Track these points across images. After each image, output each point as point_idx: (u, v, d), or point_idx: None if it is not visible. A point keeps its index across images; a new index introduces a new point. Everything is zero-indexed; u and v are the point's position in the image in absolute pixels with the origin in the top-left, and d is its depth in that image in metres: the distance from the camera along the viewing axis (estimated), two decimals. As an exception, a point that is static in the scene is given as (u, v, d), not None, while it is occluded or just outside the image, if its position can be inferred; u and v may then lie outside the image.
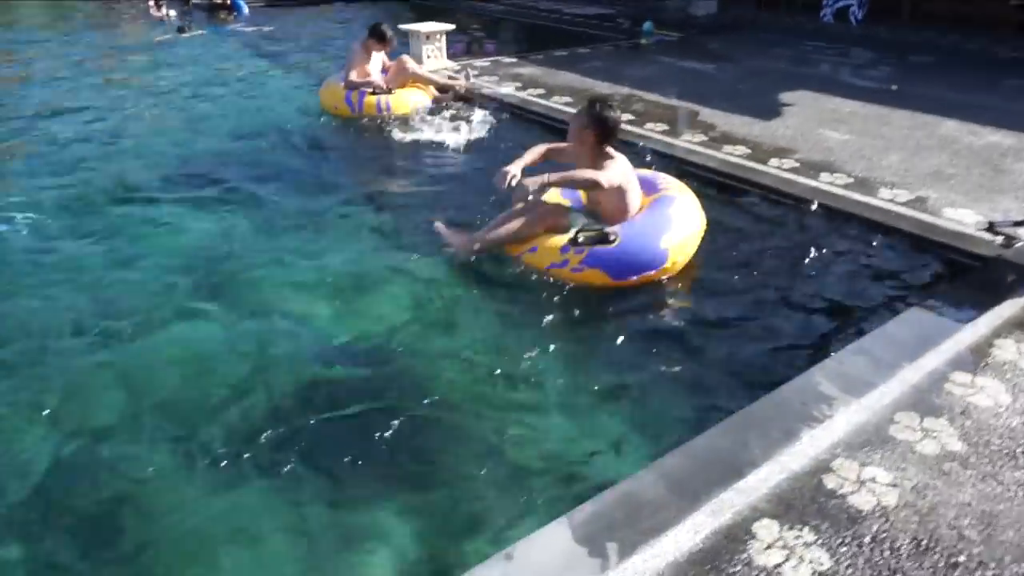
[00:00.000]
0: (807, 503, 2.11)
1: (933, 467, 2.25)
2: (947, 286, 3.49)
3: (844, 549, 1.95)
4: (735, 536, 2.00)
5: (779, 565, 1.90)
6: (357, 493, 2.43)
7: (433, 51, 7.87)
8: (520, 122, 6.47)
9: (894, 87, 7.17)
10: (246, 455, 2.56)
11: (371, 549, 2.22)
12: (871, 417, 2.48)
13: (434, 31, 7.79)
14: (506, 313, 3.50)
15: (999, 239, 3.81)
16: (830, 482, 2.19)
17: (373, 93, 6.46)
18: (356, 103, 6.43)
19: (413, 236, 4.21)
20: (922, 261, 3.80)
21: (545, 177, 3.65)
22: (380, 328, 3.36)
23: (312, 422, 2.72)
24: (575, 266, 3.59)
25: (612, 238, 3.60)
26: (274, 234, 4.32)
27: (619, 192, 3.71)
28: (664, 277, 3.67)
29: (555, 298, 3.54)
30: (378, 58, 6.68)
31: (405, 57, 6.73)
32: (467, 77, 7.16)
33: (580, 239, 3.61)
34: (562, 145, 4.00)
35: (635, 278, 3.60)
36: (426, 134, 6.08)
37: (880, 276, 3.74)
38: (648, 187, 4.00)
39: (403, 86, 6.61)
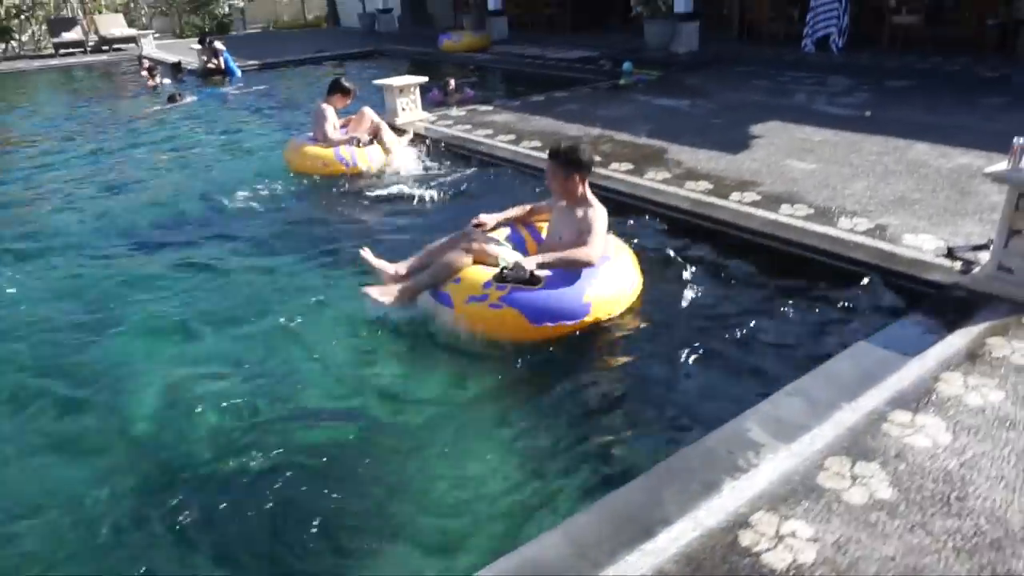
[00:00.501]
0: (717, 563, 1.98)
1: (859, 518, 2.12)
2: (899, 317, 3.36)
3: (752, 614, 1.83)
4: (635, 604, 1.88)
5: (678, 636, 1.78)
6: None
7: (407, 103, 7.96)
8: (488, 168, 6.49)
9: (868, 113, 7.11)
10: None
11: None
12: (799, 464, 2.36)
13: (407, 84, 7.89)
14: (423, 361, 3.43)
15: (958, 265, 3.69)
16: (745, 539, 2.06)
17: (358, 145, 6.50)
18: (349, 159, 6.43)
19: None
20: (877, 292, 3.68)
21: (540, 258, 3.54)
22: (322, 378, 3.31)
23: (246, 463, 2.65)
24: (493, 302, 3.43)
25: (538, 279, 3.48)
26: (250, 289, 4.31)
27: (589, 242, 3.57)
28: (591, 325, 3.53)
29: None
30: (334, 112, 6.75)
31: (366, 109, 6.82)
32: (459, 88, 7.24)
33: (506, 275, 3.47)
34: (542, 205, 4.02)
35: (552, 326, 3.44)
36: (402, 185, 6.14)
37: (832, 310, 3.63)
38: None
39: (374, 136, 6.68)
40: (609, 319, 3.58)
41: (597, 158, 5.99)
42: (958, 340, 3.02)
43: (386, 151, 6.69)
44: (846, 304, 3.65)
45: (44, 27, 20.08)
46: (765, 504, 2.19)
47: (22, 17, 20.59)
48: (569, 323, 3.47)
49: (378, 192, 6.08)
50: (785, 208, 4.64)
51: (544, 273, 3.49)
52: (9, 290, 4.56)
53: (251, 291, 4.34)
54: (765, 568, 1.96)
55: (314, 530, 2.46)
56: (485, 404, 3.17)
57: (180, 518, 2.54)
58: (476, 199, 5.70)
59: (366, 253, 3.92)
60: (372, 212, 5.76)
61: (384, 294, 3.69)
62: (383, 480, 2.71)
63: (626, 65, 10.57)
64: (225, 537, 2.48)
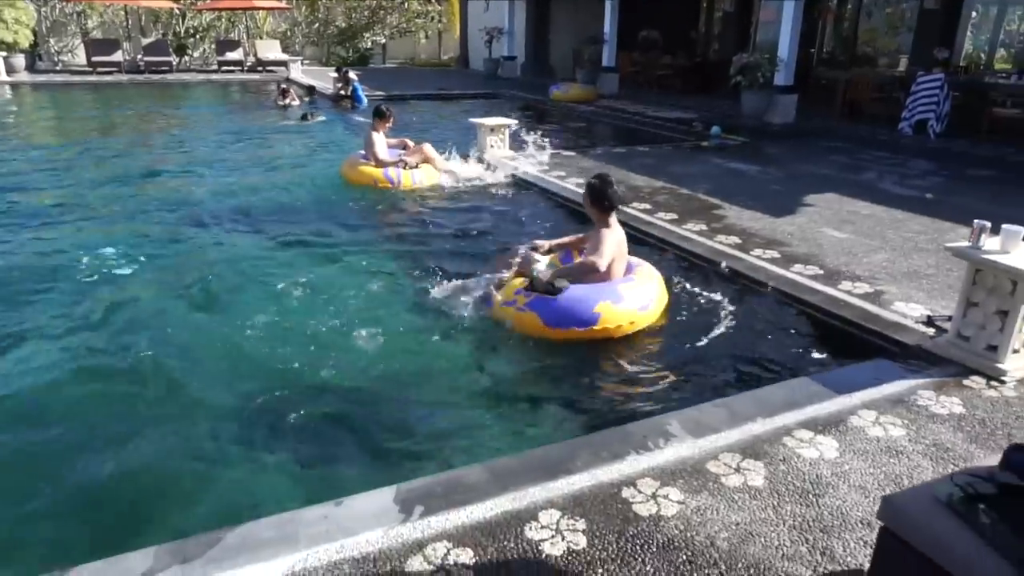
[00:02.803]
0: (595, 502, 2.53)
1: (725, 495, 2.60)
2: (851, 364, 3.74)
3: (606, 537, 2.36)
4: (520, 517, 2.46)
5: (542, 540, 2.34)
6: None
7: (496, 142, 8.85)
8: (546, 199, 7.21)
9: (928, 196, 7.29)
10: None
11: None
12: (697, 453, 2.85)
13: (498, 124, 8.79)
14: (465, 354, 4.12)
15: (931, 331, 4.01)
16: (625, 493, 2.59)
17: (406, 168, 7.69)
18: (396, 178, 7.61)
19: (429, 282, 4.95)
20: (848, 344, 4.05)
21: (558, 271, 4.39)
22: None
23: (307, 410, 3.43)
24: (519, 307, 4.20)
25: (558, 290, 4.15)
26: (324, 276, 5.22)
27: (598, 256, 4.30)
28: (605, 337, 4.14)
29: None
30: (383, 137, 7.92)
31: (427, 146, 7.99)
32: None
33: (534, 285, 4.21)
34: (585, 235, 4.73)
35: (564, 330, 4.10)
36: (451, 202, 7.12)
37: (800, 352, 4.04)
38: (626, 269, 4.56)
39: (420, 163, 7.84)
40: (621, 330, 4.15)
41: (646, 206, 6.60)
42: (891, 388, 3.39)
43: (437, 171, 7.85)
44: (816, 350, 4.04)
45: (212, 46, 22.88)
46: (654, 474, 2.71)
47: (196, 37, 23.56)
48: (579, 329, 4.09)
49: (432, 207, 7.05)
50: (797, 267, 5.05)
51: (563, 285, 4.17)
52: (159, 251, 5.69)
53: (330, 267, 5.25)
54: (631, 513, 2.49)
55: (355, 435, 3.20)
56: (495, 371, 3.84)
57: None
58: (527, 225, 6.42)
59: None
60: (429, 222, 6.68)
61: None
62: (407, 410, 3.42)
63: (714, 129, 11.10)
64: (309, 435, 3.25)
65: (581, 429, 3.33)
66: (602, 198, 4.34)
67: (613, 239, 4.33)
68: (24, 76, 18.46)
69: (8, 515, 2.79)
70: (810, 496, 2.60)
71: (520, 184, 7.97)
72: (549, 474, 2.69)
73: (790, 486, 2.66)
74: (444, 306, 4.59)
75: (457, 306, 4.56)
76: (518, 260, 4.63)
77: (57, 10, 21.05)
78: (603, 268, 4.27)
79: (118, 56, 20.17)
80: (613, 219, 4.40)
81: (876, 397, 3.31)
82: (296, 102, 14.92)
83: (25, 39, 18.68)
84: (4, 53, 17.91)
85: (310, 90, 15.84)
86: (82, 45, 21.19)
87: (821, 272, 4.95)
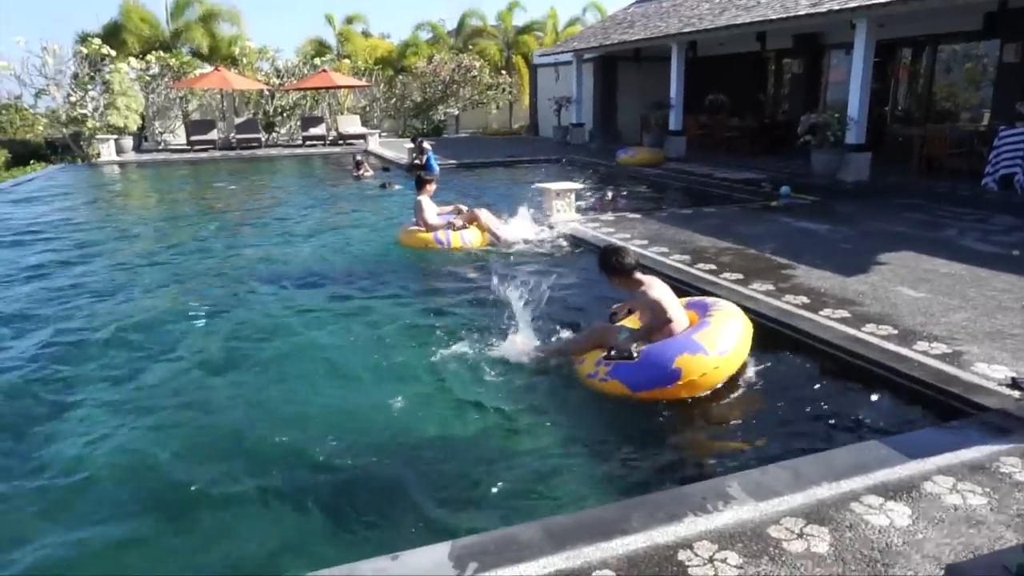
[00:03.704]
0: (650, 564, 2.49)
1: (786, 561, 2.51)
2: (926, 426, 3.57)
3: (660, 601, 2.32)
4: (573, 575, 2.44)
5: (595, 600, 2.32)
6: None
7: (561, 206, 9.04)
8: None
9: (1016, 252, 6.96)
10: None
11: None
12: (758, 516, 2.77)
13: (562, 189, 9.00)
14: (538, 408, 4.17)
15: (1017, 394, 3.79)
16: (682, 555, 2.55)
17: (455, 229, 8.17)
18: (445, 240, 8.13)
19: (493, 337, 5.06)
20: (925, 408, 3.87)
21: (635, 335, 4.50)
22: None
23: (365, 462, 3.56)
24: (603, 376, 4.27)
25: (634, 355, 4.19)
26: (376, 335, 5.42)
27: (652, 315, 4.40)
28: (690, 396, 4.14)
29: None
30: (431, 201, 8.37)
31: (480, 210, 8.44)
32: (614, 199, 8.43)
33: (611, 354, 4.29)
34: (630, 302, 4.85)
35: (650, 392, 4.11)
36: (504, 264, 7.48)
37: (870, 416, 3.89)
38: (700, 310, 4.60)
39: (468, 224, 8.31)
40: (707, 379, 4.13)
41: (711, 266, 6.57)
42: (971, 453, 3.21)
43: (484, 235, 8.27)
44: (890, 416, 3.88)
45: (298, 123, 24.44)
46: (712, 537, 2.65)
47: (284, 115, 25.24)
48: (666, 387, 4.09)
49: (485, 267, 7.39)
50: (870, 327, 4.89)
51: (639, 348, 4.23)
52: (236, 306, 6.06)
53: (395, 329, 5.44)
54: (687, 575, 2.44)
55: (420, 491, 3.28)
56: (553, 431, 3.85)
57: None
58: (586, 286, 6.46)
59: (514, 338, 4.94)
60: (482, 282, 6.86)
61: (524, 347, 4.78)
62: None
63: (784, 189, 10.97)
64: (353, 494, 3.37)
65: (638, 490, 3.29)
66: (619, 267, 4.45)
67: (655, 292, 4.38)
68: (131, 156, 20.17)
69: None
70: (878, 565, 2.48)
71: (580, 244, 8.10)
72: (604, 534, 2.67)
73: (857, 554, 2.54)
74: (506, 362, 4.69)
75: (518, 363, 4.65)
76: (598, 330, 4.64)
77: (163, 96, 23.04)
78: (672, 316, 4.34)
79: (213, 135, 21.83)
80: (643, 278, 4.50)
81: (953, 463, 3.14)
82: (370, 173, 15.68)
83: (134, 123, 20.50)
84: (115, 136, 19.69)
85: (386, 165, 16.69)
86: (182, 126, 23.04)
87: (895, 332, 4.78)
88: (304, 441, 3.83)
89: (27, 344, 5.46)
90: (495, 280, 5.53)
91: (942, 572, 2.43)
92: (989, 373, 4.09)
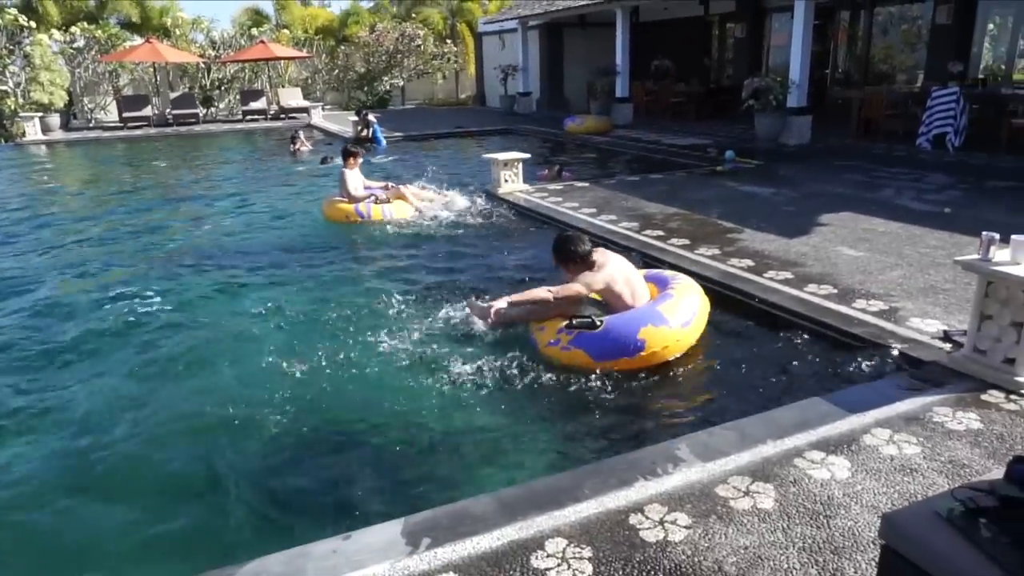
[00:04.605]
0: (602, 530, 2.53)
1: (734, 519, 2.58)
2: (862, 383, 3.70)
3: (612, 564, 2.35)
4: (527, 546, 2.46)
5: (548, 570, 2.34)
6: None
7: (509, 176, 8.97)
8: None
9: (947, 210, 7.21)
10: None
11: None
12: (706, 477, 2.83)
13: (510, 159, 8.93)
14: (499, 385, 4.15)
15: (948, 347, 3.95)
16: (633, 519, 2.59)
17: (376, 202, 8.15)
18: (366, 212, 8.13)
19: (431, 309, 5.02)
20: (865, 363, 3.99)
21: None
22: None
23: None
24: (564, 345, 4.25)
25: (598, 324, 4.19)
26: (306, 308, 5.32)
27: (608, 291, 4.39)
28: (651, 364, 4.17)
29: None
30: (357, 174, 8.39)
31: (404, 187, 8.55)
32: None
33: (573, 323, 4.26)
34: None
35: (613, 361, 4.13)
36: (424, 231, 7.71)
37: (811, 373, 4.00)
38: (660, 284, 4.62)
39: (392, 198, 8.32)
40: (669, 351, 4.17)
41: (659, 232, 6.63)
42: (906, 406, 3.34)
43: (412, 206, 8.33)
44: (830, 372, 4.00)
45: (237, 97, 23.61)
46: (662, 499, 2.70)
47: (222, 88, 24.35)
48: (628, 358, 4.10)
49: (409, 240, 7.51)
50: (811, 287, 5.01)
51: (602, 318, 4.24)
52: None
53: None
54: (638, 539, 2.48)
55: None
56: (500, 401, 3.85)
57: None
58: (528, 252, 6.46)
59: (470, 301, 4.89)
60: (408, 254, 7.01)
61: (482, 315, 4.66)
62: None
63: (728, 153, 11.12)
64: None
65: (591, 457, 3.32)
66: (576, 256, 4.42)
67: (596, 277, 4.38)
68: (59, 134, 19.20)
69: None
70: (821, 518, 2.57)
71: (524, 214, 8.11)
72: (556, 502, 2.69)
73: (800, 508, 2.62)
74: (459, 332, 4.67)
75: (472, 330, 4.62)
76: (554, 301, 4.49)
77: (91, 71, 21.93)
78: (627, 291, 4.34)
79: (148, 111, 20.90)
80: (598, 258, 4.46)
81: (890, 415, 3.26)
82: (307, 148, 15.26)
83: (60, 99, 19.49)
84: (40, 114, 18.69)
85: (329, 139, 16.28)
86: (114, 102, 22.02)
87: (835, 291, 4.91)
88: (246, 423, 3.74)
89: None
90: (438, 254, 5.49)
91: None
92: (923, 328, 4.25)
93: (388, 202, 8.25)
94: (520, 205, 8.40)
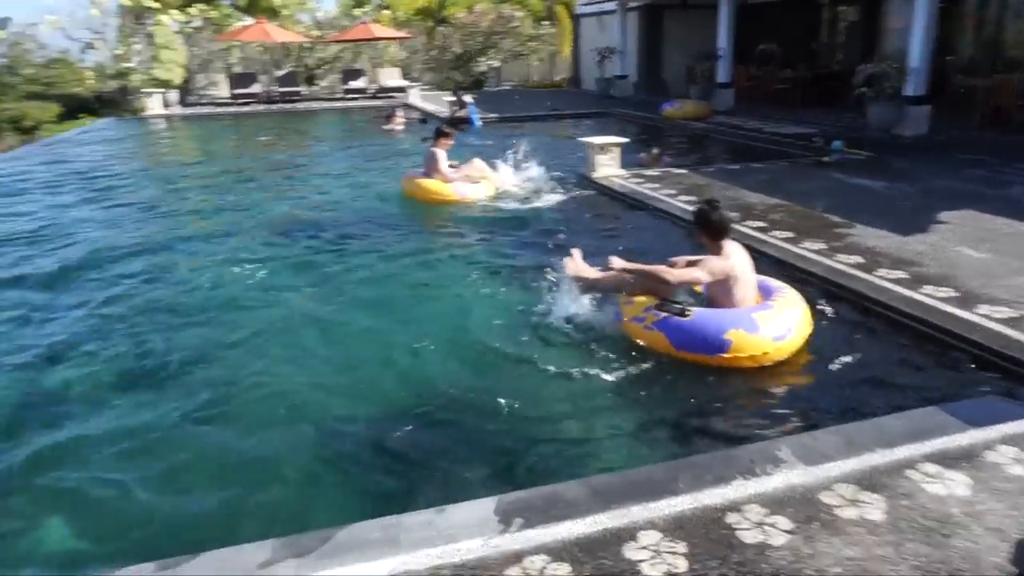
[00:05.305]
0: (697, 526, 2.47)
1: (839, 528, 2.46)
2: (987, 394, 3.44)
3: (708, 563, 2.30)
4: (620, 536, 2.44)
5: (641, 561, 2.31)
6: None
7: (606, 160, 8.85)
8: (659, 219, 7.13)
9: (1086, 212, 6.59)
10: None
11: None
12: (809, 481, 2.71)
13: (607, 143, 8.80)
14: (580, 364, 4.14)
15: (1086, 362, 3.62)
16: (731, 518, 2.51)
17: (464, 181, 8.29)
18: (454, 191, 8.20)
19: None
20: (988, 373, 3.72)
21: (620, 261, 4.48)
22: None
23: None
24: (647, 325, 4.20)
25: (687, 313, 4.10)
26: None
27: (721, 284, 4.21)
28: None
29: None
30: (445, 154, 8.41)
31: (476, 159, 8.65)
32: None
33: (663, 305, 4.19)
34: (675, 263, 4.58)
35: (691, 354, 4.04)
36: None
37: (927, 381, 3.76)
38: (766, 292, 4.42)
39: (480, 178, 8.46)
40: (754, 360, 3.98)
41: (760, 224, 6.38)
42: (1037, 422, 3.08)
43: (496, 186, 8.41)
44: (949, 381, 3.74)
45: (339, 76, 24.32)
46: (761, 500, 2.61)
47: (325, 67, 25.14)
48: (707, 355, 4.00)
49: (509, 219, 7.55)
50: (928, 288, 4.70)
51: (694, 310, 4.12)
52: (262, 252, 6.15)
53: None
54: (736, 539, 2.41)
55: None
56: (598, 385, 3.85)
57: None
58: (626, 238, 6.36)
59: (573, 252, 4.91)
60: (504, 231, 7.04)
61: (576, 271, 4.72)
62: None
63: (835, 143, 10.55)
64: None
65: (686, 451, 3.25)
66: (708, 224, 4.25)
67: (721, 264, 4.19)
68: (177, 109, 20.37)
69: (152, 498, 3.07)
70: (936, 536, 2.41)
71: (617, 198, 8.01)
72: (650, 494, 2.64)
73: (913, 523, 2.47)
74: (549, 314, 4.67)
75: (564, 313, 4.62)
76: (658, 272, 4.35)
77: (205, 49, 23.10)
78: (738, 291, 4.17)
79: (256, 88, 21.85)
80: (728, 246, 4.27)
81: (1017, 432, 3.02)
82: (400, 127, 15.49)
83: (179, 76, 20.65)
84: (162, 90, 19.88)
85: (424, 117, 16.53)
86: (224, 80, 23.14)
87: (955, 294, 4.59)
88: (342, 395, 3.88)
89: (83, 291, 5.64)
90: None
91: (1006, 545, 2.35)
92: (1056, 339, 3.91)
93: (474, 181, 8.32)
94: (615, 190, 8.29)
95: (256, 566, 2.34)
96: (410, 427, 3.54)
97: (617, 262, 4.59)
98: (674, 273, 4.28)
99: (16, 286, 6.00)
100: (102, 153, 13.80)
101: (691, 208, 6.94)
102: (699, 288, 4.39)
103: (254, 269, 6.11)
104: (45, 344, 4.72)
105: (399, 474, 3.21)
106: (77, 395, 4.06)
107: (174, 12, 22.27)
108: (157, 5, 21.22)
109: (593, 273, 4.74)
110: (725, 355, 3.98)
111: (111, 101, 20.40)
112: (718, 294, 4.23)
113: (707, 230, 4.27)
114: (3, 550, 2.85)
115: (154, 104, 19.55)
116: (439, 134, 8.52)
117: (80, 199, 9.52)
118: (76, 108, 20.15)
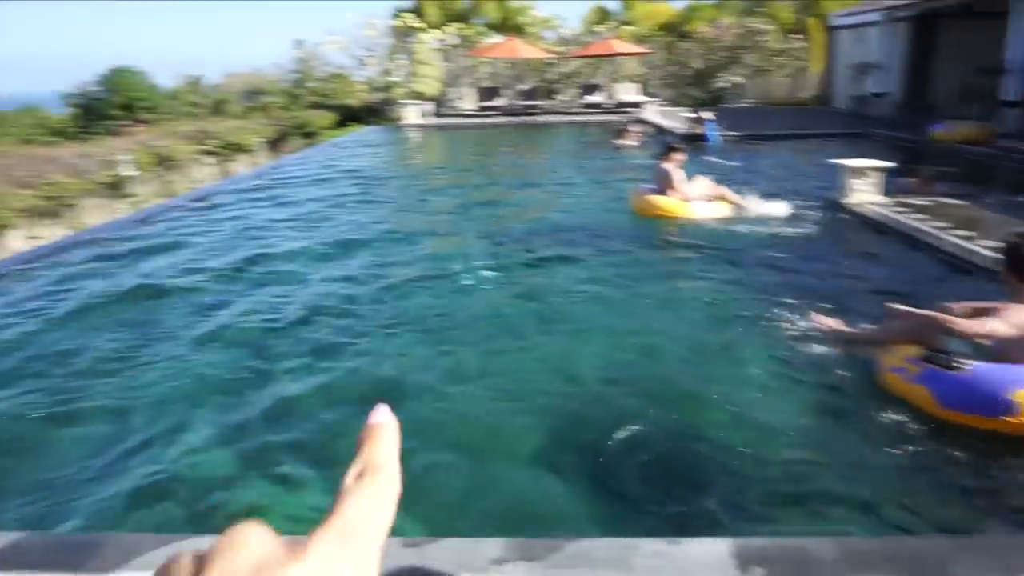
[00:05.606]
0: (979, 620, 2.10)
1: None
2: None
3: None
4: (878, 610, 2.15)
5: (906, 645, 2.02)
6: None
7: (862, 185, 8.05)
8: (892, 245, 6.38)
9: None
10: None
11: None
12: None
13: (863, 167, 7.99)
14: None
15: None
16: (1024, 619, 2.11)
17: (700, 200, 8.04)
18: (702, 211, 7.97)
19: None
20: None
21: (907, 310, 3.92)
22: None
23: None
24: (909, 376, 3.71)
25: (959, 366, 3.57)
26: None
27: (1021, 340, 3.52)
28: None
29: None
30: (678, 170, 8.15)
31: (701, 177, 8.39)
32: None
33: (931, 355, 3.67)
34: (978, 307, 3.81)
35: (963, 414, 3.50)
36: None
37: None
38: None
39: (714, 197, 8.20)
40: None
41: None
42: None
43: (733, 207, 8.03)
44: None
45: (578, 90, 25.01)
46: (1068, 605, 2.16)
47: (564, 82, 26.01)
48: (985, 416, 3.45)
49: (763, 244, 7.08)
50: None
51: (970, 363, 3.54)
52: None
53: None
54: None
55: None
56: (856, 436, 3.53)
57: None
58: (882, 275, 5.70)
59: (816, 315, 4.58)
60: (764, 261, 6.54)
61: (828, 325, 4.39)
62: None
63: None
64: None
65: (955, 526, 2.81)
66: (1018, 264, 3.59)
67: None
68: (432, 120, 22.36)
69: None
70: None
71: (873, 228, 7.22)
72: (916, 570, 2.31)
73: None
74: (802, 345, 4.40)
75: (817, 345, 4.27)
76: (929, 320, 3.79)
77: (457, 64, 25.09)
78: (967, 332, 3.56)
79: (499, 101, 23.25)
80: None
81: None
82: (633, 143, 15.22)
83: (435, 90, 22.65)
84: (420, 102, 21.94)
85: (659, 131, 16.38)
86: (472, 93, 24.91)
87: None
88: (584, 396, 3.92)
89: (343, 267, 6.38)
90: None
91: None
92: None
93: (709, 200, 8.05)
94: (870, 217, 7.52)
95: (488, 562, 2.42)
96: (651, 448, 3.47)
97: (898, 309, 3.99)
98: (965, 323, 3.62)
99: (291, 260, 7.01)
100: (368, 156, 15.64)
101: (962, 240, 6.12)
102: (985, 340, 3.75)
103: (496, 270, 6.45)
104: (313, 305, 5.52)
105: (631, 494, 3.16)
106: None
107: (434, 31, 24.47)
108: (422, 25, 23.43)
109: (850, 328, 4.31)
110: (1010, 418, 3.37)
111: (376, 111, 22.92)
112: (1012, 349, 3.59)
113: (1020, 271, 3.60)
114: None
115: (411, 114, 21.60)
116: (669, 149, 8.37)
117: (352, 192, 10.93)
118: (347, 117, 22.96)
